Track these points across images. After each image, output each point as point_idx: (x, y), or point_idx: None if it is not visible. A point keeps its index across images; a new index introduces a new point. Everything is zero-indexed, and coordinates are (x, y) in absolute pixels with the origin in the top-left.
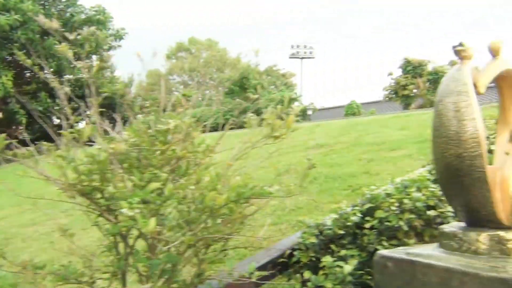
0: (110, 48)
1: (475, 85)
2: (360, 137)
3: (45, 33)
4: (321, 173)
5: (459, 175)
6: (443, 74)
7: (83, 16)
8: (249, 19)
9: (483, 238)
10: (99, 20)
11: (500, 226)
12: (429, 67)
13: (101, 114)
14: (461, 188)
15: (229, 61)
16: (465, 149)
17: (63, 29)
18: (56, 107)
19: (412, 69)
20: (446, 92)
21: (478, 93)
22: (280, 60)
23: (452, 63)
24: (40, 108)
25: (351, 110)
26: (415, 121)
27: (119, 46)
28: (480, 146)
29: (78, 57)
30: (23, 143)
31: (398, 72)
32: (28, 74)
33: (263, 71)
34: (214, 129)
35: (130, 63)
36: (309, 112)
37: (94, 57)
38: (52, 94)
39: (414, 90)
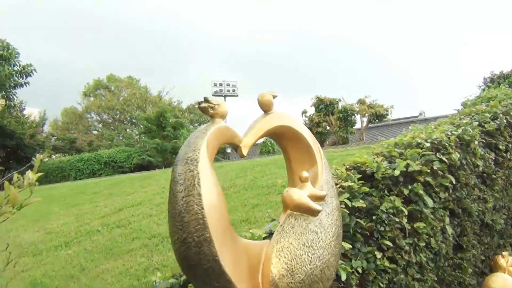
0: (16, 85)
1: (235, 147)
2: (255, 179)
3: None
4: None
5: (190, 265)
6: (352, 111)
7: None
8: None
9: None
10: (2, 56)
11: None
12: (339, 105)
13: (7, 155)
14: (198, 279)
15: (150, 99)
16: (189, 233)
17: None
18: None
19: (324, 107)
20: (178, 158)
21: (240, 155)
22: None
23: (360, 101)
24: None
25: (265, 149)
26: None
27: (27, 83)
28: (205, 229)
29: None
30: None
31: (311, 110)
32: None
33: (185, 108)
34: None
35: (42, 101)
36: (228, 150)
37: None
38: None
39: (327, 128)
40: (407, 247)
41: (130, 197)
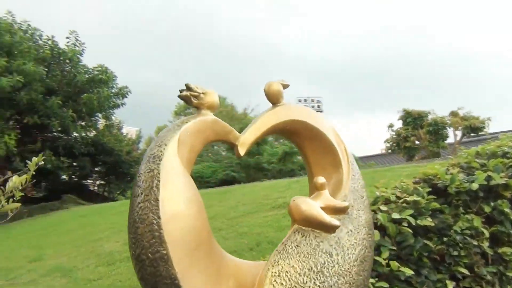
0: (114, 106)
1: (231, 146)
2: None
3: (48, 93)
4: (267, 237)
5: (146, 284)
6: (443, 124)
7: (86, 76)
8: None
9: None
10: (101, 79)
11: None
12: (429, 118)
13: (107, 170)
14: None
15: (236, 116)
16: (142, 248)
17: (67, 89)
18: (62, 165)
19: (412, 120)
20: (145, 155)
21: (237, 156)
22: None
23: (452, 114)
24: (49, 166)
25: None
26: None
27: (123, 104)
28: (162, 244)
29: (81, 116)
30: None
31: (399, 124)
32: (32, 133)
33: None
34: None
35: (138, 121)
36: None
37: (99, 115)
38: (56, 152)
39: (416, 142)
40: (489, 277)
41: (208, 210)
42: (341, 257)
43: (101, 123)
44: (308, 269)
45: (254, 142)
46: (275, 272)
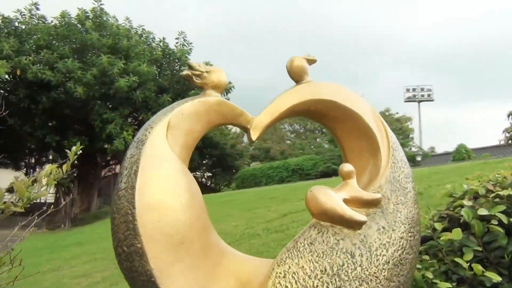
0: None
1: (242, 128)
2: (429, 188)
3: (160, 91)
4: None
5: (129, 284)
6: None
7: None
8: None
9: None
10: None
11: None
12: None
13: (213, 163)
14: None
15: None
16: (119, 241)
17: (177, 87)
18: None
19: None
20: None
21: (249, 140)
22: (394, 104)
23: None
24: None
25: (459, 155)
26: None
27: (227, 99)
28: (136, 237)
29: None
30: None
31: None
32: None
33: None
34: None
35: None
36: (418, 158)
37: None
38: None
39: None
40: None
41: (299, 203)
42: (366, 259)
43: None
44: (321, 271)
45: (269, 125)
46: (280, 273)
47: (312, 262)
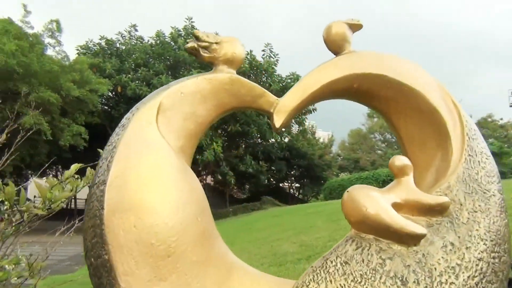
0: (306, 112)
1: (265, 112)
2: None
3: None
4: None
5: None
6: None
7: (280, 85)
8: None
9: None
10: (291, 86)
11: None
12: None
13: (301, 174)
14: None
15: None
16: (87, 250)
17: None
18: (261, 169)
19: None
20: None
21: (273, 129)
22: (497, 110)
23: None
24: (250, 170)
25: None
26: None
27: (314, 109)
28: (103, 245)
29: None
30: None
31: None
32: (236, 140)
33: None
34: None
35: (332, 125)
36: None
37: (292, 121)
38: (256, 157)
39: None
40: None
41: None
42: (425, 287)
43: (295, 128)
44: None
45: (298, 108)
46: None
47: (345, 287)
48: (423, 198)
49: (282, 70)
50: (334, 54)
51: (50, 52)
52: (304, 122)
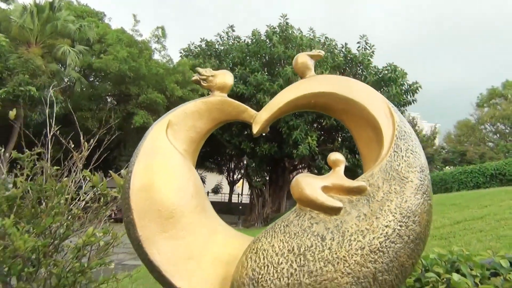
0: (405, 104)
1: (248, 123)
2: None
3: None
4: None
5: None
6: None
7: (376, 77)
8: None
9: None
10: (390, 78)
11: None
12: None
13: None
14: None
15: None
16: (123, 213)
17: None
18: (359, 163)
19: None
20: None
21: (253, 135)
22: None
23: None
24: (346, 164)
25: None
26: None
27: (414, 100)
28: (129, 210)
29: None
30: None
31: None
32: (331, 134)
33: None
34: None
35: (437, 117)
36: None
37: None
38: (352, 151)
39: None
40: None
41: (480, 210)
42: (337, 243)
43: None
44: (289, 250)
45: (269, 119)
46: (253, 249)
47: (283, 242)
48: (345, 182)
49: (379, 61)
50: (301, 78)
51: (156, 56)
52: (403, 114)
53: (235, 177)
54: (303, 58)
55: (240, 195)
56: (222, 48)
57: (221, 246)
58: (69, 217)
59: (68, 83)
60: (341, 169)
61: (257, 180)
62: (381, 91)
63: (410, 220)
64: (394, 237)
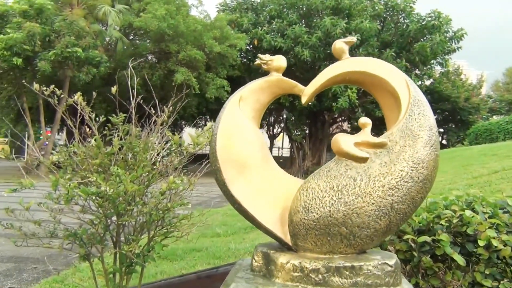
0: (449, 52)
1: (299, 96)
2: None
3: (383, 46)
4: None
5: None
6: None
7: (418, 25)
8: None
9: (257, 256)
10: (434, 25)
11: (287, 245)
12: None
13: (444, 118)
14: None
15: None
16: (212, 163)
17: (400, 40)
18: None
19: None
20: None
21: (302, 104)
22: None
23: None
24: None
25: None
26: None
27: (459, 47)
28: (217, 161)
29: (416, 65)
30: None
31: None
32: None
33: None
34: None
35: (485, 63)
36: None
37: (434, 62)
38: None
39: None
40: None
41: None
42: (365, 182)
43: (438, 70)
44: (330, 188)
45: (315, 92)
46: (304, 188)
47: (325, 182)
48: (371, 139)
49: (422, 8)
50: (338, 60)
51: (193, 12)
52: (447, 63)
53: (275, 131)
54: (340, 44)
55: (280, 149)
56: (259, 0)
57: (281, 186)
58: (154, 168)
59: (110, 41)
60: (368, 129)
61: (297, 133)
62: (424, 39)
63: (419, 166)
64: (407, 178)
